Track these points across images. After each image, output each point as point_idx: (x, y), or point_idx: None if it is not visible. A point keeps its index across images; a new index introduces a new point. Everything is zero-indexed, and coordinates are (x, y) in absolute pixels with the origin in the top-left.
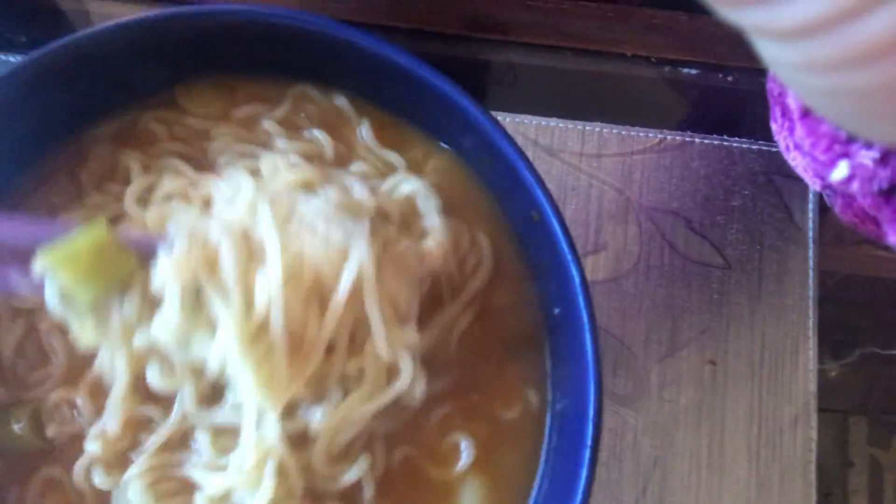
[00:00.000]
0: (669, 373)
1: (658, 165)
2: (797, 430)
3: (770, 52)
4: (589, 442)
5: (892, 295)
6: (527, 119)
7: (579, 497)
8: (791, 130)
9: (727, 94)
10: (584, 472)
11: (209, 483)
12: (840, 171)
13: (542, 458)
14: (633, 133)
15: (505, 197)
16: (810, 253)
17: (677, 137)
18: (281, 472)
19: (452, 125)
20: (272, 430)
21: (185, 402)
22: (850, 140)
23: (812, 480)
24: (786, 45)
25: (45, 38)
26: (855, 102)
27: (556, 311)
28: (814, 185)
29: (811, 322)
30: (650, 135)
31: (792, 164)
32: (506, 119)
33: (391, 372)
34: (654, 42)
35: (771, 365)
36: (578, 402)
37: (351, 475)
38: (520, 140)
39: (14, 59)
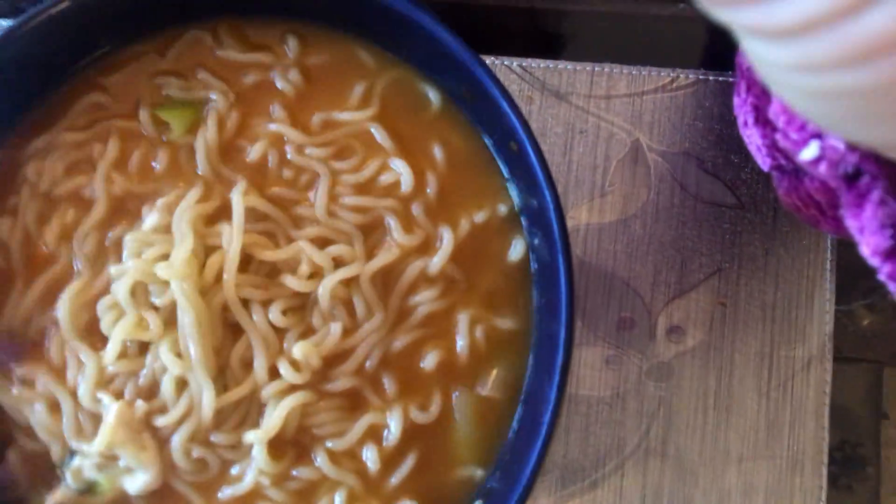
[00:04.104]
0: (677, 314)
1: (670, 105)
2: (811, 372)
3: (761, 53)
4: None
5: None
6: (534, 62)
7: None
8: (753, 107)
9: None
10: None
11: None
12: (810, 151)
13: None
14: (643, 73)
15: (487, 129)
16: None
17: (690, 76)
18: None
19: (434, 59)
20: None
21: None
22: None
23: (825, 423)
24: (779, 45)
25: None
26: (846, 103)
27: (536, 241)
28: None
29: (829, 262)
30: (662, 74)
31: (746, 140)
32: (513, 63)
33: None
34: None
35: (784, 306)
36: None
37: None
38: (527, 84)
39: None
